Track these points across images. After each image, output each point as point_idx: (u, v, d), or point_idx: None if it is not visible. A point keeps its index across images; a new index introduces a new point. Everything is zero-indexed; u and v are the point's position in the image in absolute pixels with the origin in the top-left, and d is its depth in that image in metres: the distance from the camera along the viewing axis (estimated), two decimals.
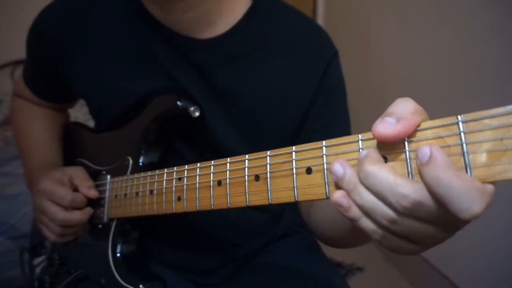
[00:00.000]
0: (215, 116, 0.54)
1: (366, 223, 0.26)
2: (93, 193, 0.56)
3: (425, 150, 0.22)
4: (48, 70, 0.61)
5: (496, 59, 1.00)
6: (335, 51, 0.57)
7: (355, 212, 0.26)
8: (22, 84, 0.68)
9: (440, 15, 1.22)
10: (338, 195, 0.26)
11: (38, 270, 0.66)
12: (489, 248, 1.07)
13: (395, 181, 0.23)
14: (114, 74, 0.55)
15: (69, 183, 0.56)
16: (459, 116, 0.22)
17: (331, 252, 0.73)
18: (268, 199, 0.32)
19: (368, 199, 0.25)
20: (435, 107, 1.22)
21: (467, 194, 0.21)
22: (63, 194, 0.53)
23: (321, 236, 0.53)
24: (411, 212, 0.23)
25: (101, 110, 0.60)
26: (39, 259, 0.66)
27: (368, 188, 0.25)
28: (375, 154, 0.25)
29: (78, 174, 0.58)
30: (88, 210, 0.56)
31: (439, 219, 0.23)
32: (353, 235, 0.43)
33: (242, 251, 0.64)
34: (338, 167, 0.26)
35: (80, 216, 0.55)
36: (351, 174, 0.26)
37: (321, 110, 0.55)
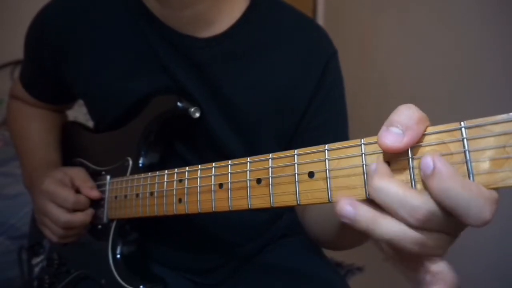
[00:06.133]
0: (213, 115, 0.54)
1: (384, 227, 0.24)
2: (95, 194, 0.56)
3: (428, 162, 0.22)
4: (48, 69, 0.60)
5: (497, 59, 1.00)
6: (334, 50, 0.57)
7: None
8: (19, 86, 0.67)
9: (441, 14, 1.22)
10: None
11: (37, 270, 0.66)
12: (489, 248, 1.07)
13: (405, 194, 0.23)
14: (114, 73, 0.55)
15: (70, 184, 0.56)
16: (462, 122, 0.22)
17: (331, 252, 0.73)
18: (270, 202, 0.32)
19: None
20: (436, 107, 1.21)
21: (475, 204, 0.21)
22: (66, 196, 0.53)
23: (314, 237, 0.53)
24: (423, 224, 0.23)
25: (102, 110, 0.59)
26: (38, 259, 0.66)
27: (378, 202, 0.24)
28: (384, 168, 0.24)
29: (79, 175, 0.57)
30: (91, 211, 0.56)
31: (449, 227, 0.23)
32: (343, 238, 0.42)
33: (242, 251, 0.64)
34: (348, 209, 0.25)
35: (83, 217, 0.54)
36: (362, 212, 0.24)
37: (319, 108, 0.55)
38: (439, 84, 1.23)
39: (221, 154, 0.54)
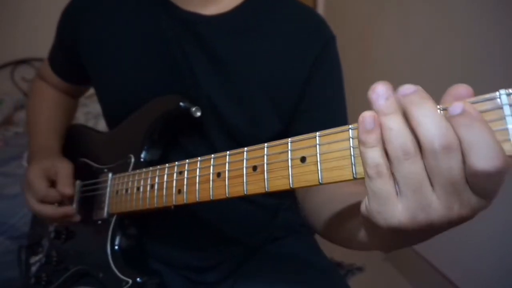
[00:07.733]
0: (215, 89, 0.56)
1: (374, 153, 0.25)
2: (68, 191, 0.59)
3: (457, 105, 0.23)
4: (68, 50, 0.66)
5: (497, 59, 1.00)
6: (333, 35, 0.60)
7: (374, 136, 0.25)
8: (46, 64, 0.74)
9: (441, 14, 1.23)
10: (368, 113, 0.25)
11: (34, 268, 0.66)
12: (489, 248, 1.06)
13: (440, 118, 0.23)
14: (122, 63, 0.59)
15: (54, 176, 0.61)
16: (498, 91, 0.24)
17: (331, 252, 0.73)
18: (265, 187, 0.33)
19: (400, 125, 0.24)
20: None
21: (492, 147, 0.21)
22: (38, 189, 0.59)
23: (313, 225, 0.53)
24: (434, 154, 0.23)
25: (108, 98, 0.63)
26: (36, 258, 0.67)
27: (411, 115, 0.24)
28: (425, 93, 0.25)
29: (63, 170, 0.61)
30: (62, 210, 0.59)
31: (449, 173, 0.23)
32: (341, 229, 0.42)
33: (240, 249, 0.64)
34: (382, 89, 0.26)
35: (50, 211, 0.59)
36: (394, 100, 0.25)
37: (318, 89, 0.57)
38: (439, 84, 1.23)
39: (225, 129, 0.57)
